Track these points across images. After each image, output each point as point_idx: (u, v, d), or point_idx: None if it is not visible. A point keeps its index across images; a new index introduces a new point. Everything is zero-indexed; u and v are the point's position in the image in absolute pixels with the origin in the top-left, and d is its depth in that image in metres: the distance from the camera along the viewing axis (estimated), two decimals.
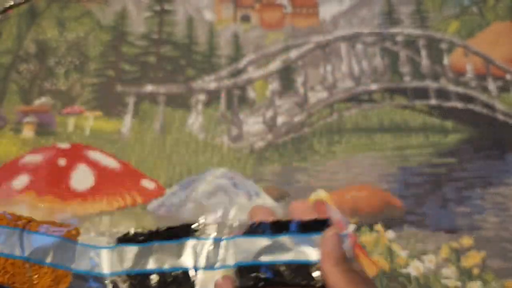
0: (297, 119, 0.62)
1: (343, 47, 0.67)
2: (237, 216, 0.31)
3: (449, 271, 0.50)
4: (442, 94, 0.62)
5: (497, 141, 0.59)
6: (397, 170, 0.57)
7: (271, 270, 0.27)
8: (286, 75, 0.65)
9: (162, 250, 0.30)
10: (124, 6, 0.72)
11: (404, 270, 0.51)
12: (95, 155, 0.59)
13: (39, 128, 0.61)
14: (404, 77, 0.64)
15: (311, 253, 0.27)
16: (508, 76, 0.63)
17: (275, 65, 0.65)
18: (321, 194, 0.56)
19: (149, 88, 0.64)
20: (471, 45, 0.66)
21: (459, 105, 0.62)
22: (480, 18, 0.68)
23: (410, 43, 0.66)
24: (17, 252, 0.30)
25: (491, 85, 0.63)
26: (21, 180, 0.56)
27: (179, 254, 0.29)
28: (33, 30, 0.70)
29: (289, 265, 0.27)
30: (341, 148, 0.59)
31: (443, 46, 0.66)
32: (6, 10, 0.70)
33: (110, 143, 0.60)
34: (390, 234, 0.53)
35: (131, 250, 0.30)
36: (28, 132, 0.61)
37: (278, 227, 0.28)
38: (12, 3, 0.70)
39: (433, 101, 0.62)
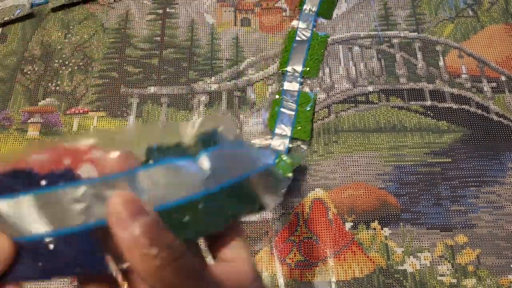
0: None
1: (341, 49, 0.67)
2: None
3: (444, 268, 0.51)
4: (437, 95, 0.63)
5: (491, 141, 0.59)
6: (393, 169, 0.58)
7: None
8: None
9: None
10: (127, 9, 0.72)
11: (400, 267, 0.51)
12: (99, 154, 0.59)
13: (44, 128, 0.62)
14: (400, 79, 0.64)
15: None
16: (502, 78, 0.64)
17: (275, 67, 0.66)
18: (318, 192, 0.56)
19: (152, 89, 0.65)
20: (466, 47, 0.66)
21: (454, 106, 0.62)
22: (475, 21, 0.69)
23: (406, 45, 0.67)
24: None
25: (486, 87, 0.63)
26: None
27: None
28: (38, 32, 0.70)
29: None
30: (339, 148, 0.60)
31: (439, 48, 0.67)
32: (6, 24, 0.71)
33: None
34: (386, 231, 0.54)
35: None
36: (33, 132, 0.62)
37: None
38: (13, 17, 0.70)
39: (429, 102, 0.62)
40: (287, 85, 0.62)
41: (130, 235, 0.21)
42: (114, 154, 0.24)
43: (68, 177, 0.23)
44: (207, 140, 0.26)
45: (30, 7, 0.71)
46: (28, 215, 0.22)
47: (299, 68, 0.63)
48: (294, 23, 0.67)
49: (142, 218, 0.21)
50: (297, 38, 0.65)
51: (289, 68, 0.63)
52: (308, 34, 0.65)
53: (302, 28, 0.66)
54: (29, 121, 0.63)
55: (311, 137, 0.59)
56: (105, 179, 0.23)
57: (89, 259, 0.22)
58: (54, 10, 0.72)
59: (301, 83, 0.62)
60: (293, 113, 0.59)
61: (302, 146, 0.57)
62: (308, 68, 0.63)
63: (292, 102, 0.59)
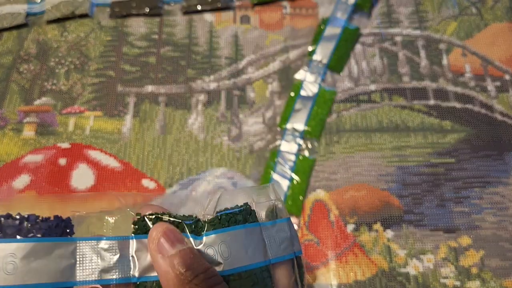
0: None
1: None
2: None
3: (447, 270, 0.50)
4: (441, 94, 0.62)
5: (495, 141, 0.58)
6: (395, 170, 0.57)
7: None
8: (285, 75, 0.65)
9: None
10: None
11: (403, 270, 0.51)
12: (95, 154, 0.59)
13: (40, 128, 0.61)
14: (403, 78, 0.64)
15: None
16: (506, 77, 0.63)
17: (275, 65, 0.65)
18: (320, 193, 0.55)
19: (149, 88, 0.64)
20: (469, 46, 0.65)
21: (457, 105, 0.61)
22: (479, 19, 0.68)
23: (409, 43, 0.66)
24: None
25: (490, 86, 0.62)
26: (22, 180, 0.56)
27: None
28: (34, 31, 0.69)
29: None
30: (340, 148, 0.59)
31: (442, 46, 0.66)
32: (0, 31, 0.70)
33: (111, 143, 0.60)
34: (389, 233, 0.53)
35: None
36: (29, 132, 0.61)
37: None
38: (7, 25, 0.69)
39: (432, 101, 0.62)
40: (284, 145, 0.56)
41: (169, 260, 0.23)
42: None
43: (66, 225, 0.24)
44: (225, 218, 0.26)
45: (25, 16, 0.70)
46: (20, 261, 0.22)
47: (300, 127, 0.57)
48: (301, 75, 0.60)
49: (180, 245, 0.24)
50: (302, 93, 0.58)
51: (288, 126, 0.57)
52: (315, 90, 0.58)
53: (309, 82, 0.59)
54: (24, 120, 0.62)
55: (302, 212, 0.53)
56: (98, 239, 0.24)
57: None
58: (49, 22, 0.70)
59: (299, 145, 0.55)
60: (286, 183, 0.53)
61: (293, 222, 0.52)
62: (310, 129, 0.57)
63: (287, 168, 0.53)
